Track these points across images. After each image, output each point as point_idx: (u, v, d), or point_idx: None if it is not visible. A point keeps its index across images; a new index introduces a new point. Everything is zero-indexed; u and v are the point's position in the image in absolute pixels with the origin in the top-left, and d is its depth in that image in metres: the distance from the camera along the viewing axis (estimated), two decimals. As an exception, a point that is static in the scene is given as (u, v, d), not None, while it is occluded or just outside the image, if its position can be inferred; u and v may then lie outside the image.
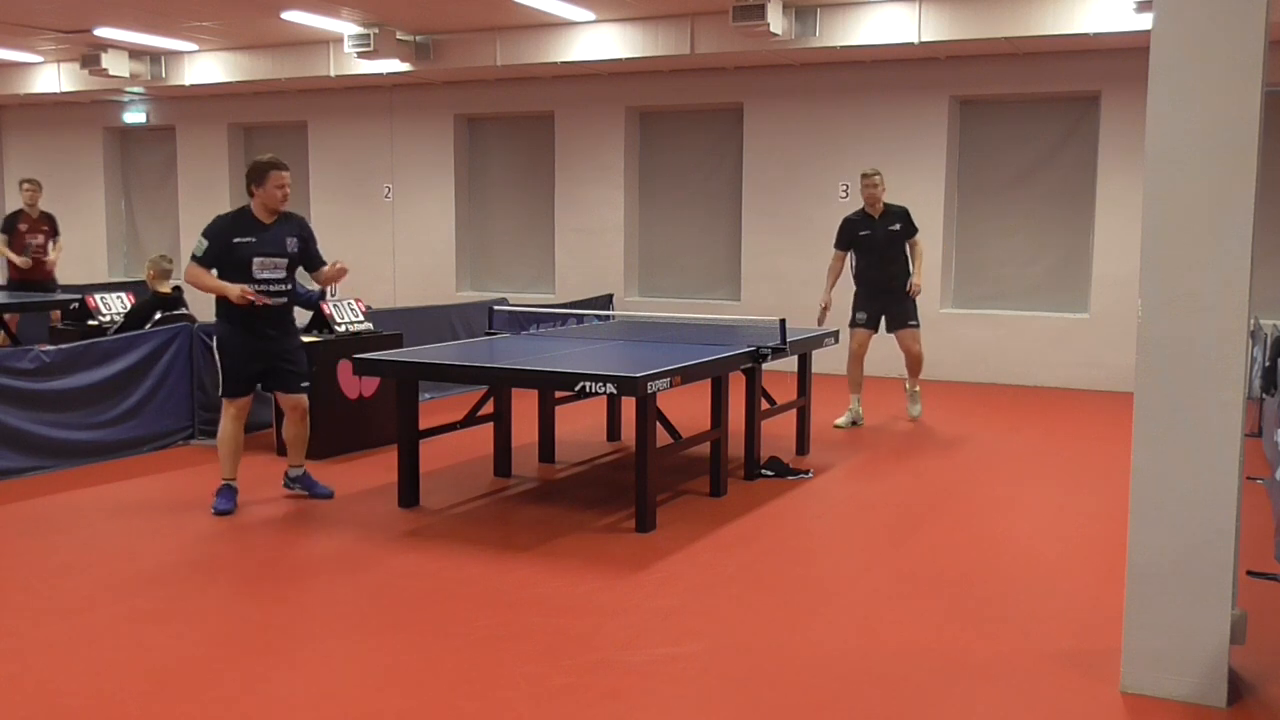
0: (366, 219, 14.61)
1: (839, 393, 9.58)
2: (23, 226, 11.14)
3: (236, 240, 6.08)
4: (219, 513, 6.08)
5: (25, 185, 11.22)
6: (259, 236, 6.09)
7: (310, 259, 6.38)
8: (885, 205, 8.75)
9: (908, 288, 8.72)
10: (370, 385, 7.92)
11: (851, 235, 8.81)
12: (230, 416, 6.17)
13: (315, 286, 7.15)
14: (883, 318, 8.87)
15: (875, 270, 8.80)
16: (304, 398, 6.36)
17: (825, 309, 8.75)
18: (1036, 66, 10.98)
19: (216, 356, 6.22)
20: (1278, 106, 6.98)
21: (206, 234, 6.10)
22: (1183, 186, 3.64)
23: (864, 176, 8.75)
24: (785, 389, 8.17)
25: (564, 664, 4.09)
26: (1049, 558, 5.52)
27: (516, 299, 12.49)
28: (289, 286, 6.26)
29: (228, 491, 6.21)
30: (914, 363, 8.98)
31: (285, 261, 6.18)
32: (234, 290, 5.94)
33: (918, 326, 8.88)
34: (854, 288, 8.92)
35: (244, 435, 6.28)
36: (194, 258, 6.08)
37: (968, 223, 11.77)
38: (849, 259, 8.90)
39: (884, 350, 9.25)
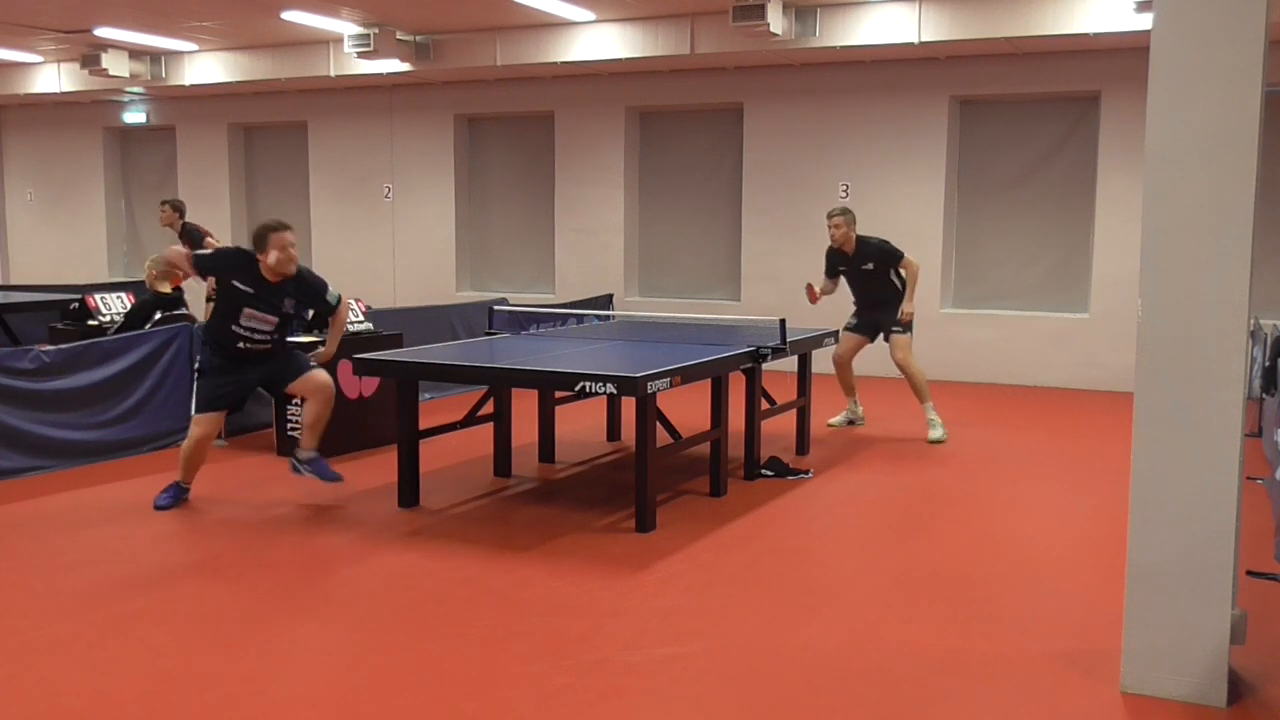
0: (366, 219, 14.61)
1: (839, 393, 9.58)
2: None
3: (235, 283, 6.11)
4: (159, 507, 6.19)
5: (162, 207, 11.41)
6: (258, 292, 6.09)
7: (315, 309, 6.67)
8: (859, 240, 8.46)
9: (899, 315, 8.42)
10: (370, 385, 7.92)
11: (833, 267, 8.68)
12: (198, 430, 6.20)
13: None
14: (879, 331, 8.64)
15: (862, 300, 8.67)
16: (321, 374, 6.36)
17: (812, 290, 8.55)
18: (1036, 66, 10.98)
19: (195, 374, 6.43)
20: (1278, 106, 6.97)
21: (219, 254, 6.34)
22: (1183, 186, 3.64)
23: (828, 217, 8.51)
24: (785, 389, 8.17)
25: (564, 664, 4.09)
26: (1049, 558, 5.52)
27: (516, 299, 12.50)
28: (278, 336, 6.28)
29: (175, 489, 6.32)
30: (909, 378, 8.52)
31: (276, 320, 6.19)
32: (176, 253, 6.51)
33: (901, 332, 8.46)
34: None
35: (208, 450, 6.35)
36: (196, 255, 6.44)
37: (968, 223, 11.77)
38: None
39: (883, 350, 9.21)
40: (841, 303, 8.86)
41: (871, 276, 8.51)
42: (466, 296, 13.43)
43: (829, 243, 8.66)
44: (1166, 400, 3.70)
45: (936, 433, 8.39)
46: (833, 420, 8.85)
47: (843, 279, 8.72)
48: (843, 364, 8.80)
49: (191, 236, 10.96)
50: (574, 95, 13.15)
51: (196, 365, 6.44)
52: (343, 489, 6.71)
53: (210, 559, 5.41)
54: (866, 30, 10.44)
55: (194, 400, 6.36)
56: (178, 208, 11.32)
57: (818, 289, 8.65)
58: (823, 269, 8.82)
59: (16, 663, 4.11)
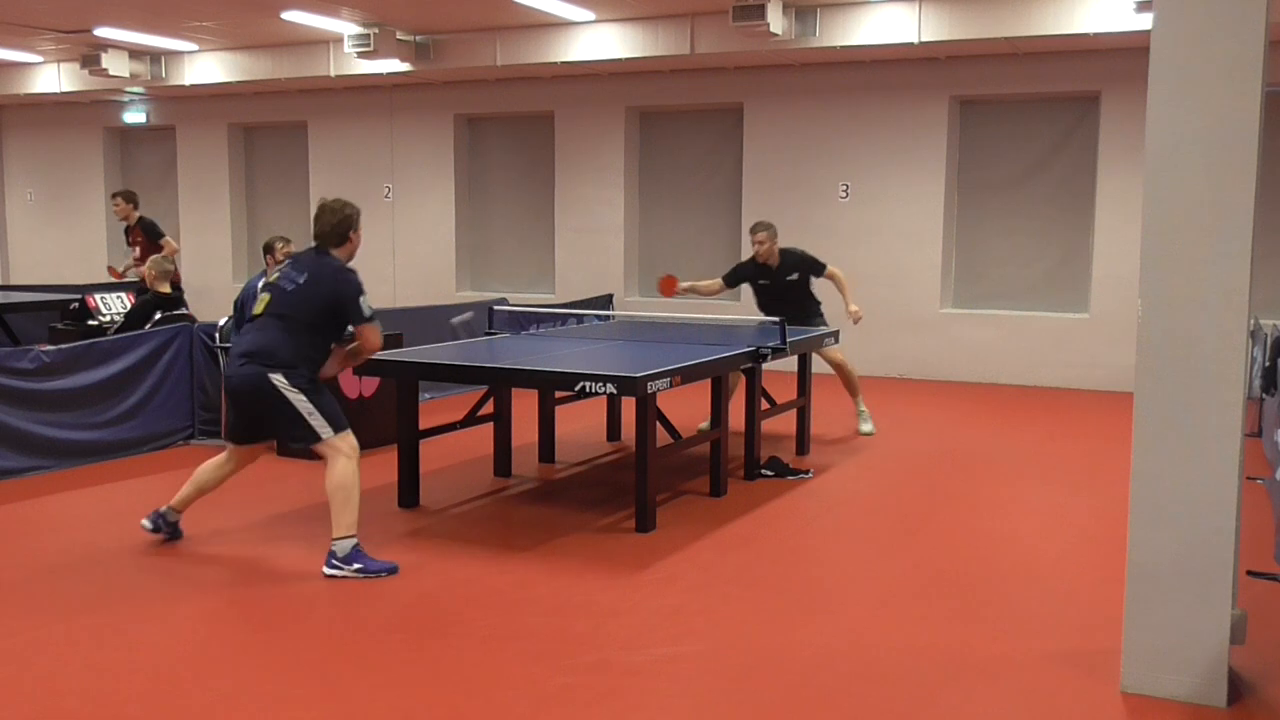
0: (367, 219, 14.45)
1: (839, 393, 9.58)
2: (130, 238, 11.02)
3: None
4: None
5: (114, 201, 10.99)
6: None
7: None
8: (781, 252, 8.33)
9: (850, 315, 8.31)
10: (370, 385, 7.92)
11: (743, 278, 8.54)
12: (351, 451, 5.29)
13: None
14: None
15: (776, 312, 8.20)
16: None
17: (672, 283, 8.37)
18: (1036, 66, 10.98)
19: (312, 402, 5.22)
20: (1278, 106, 6.98)
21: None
22: (1183, 186, 3.64)
23: (753, 232, 8.36)
24: (785, 389, 8.17)
25: (564, 664, 4.09)
26: (1049, 558, 5.52)
27: (516, 299, 12.50)
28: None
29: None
30: (841, 376, 8.50)
31: None
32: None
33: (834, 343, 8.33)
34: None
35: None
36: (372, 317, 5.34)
37: (968, 222, 11.77)
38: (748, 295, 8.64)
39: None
40: (835, 303, 8.80)
41: (795, 286, 8.37)
42: (466, 296, 13.42)
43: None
44: (1166, 400, 3.70)
45: (866, 426, 8.59)
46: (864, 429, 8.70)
47: (752, 292, 8.55)
48: (841, 364, 8.75)
49: (149, 230, 10.67)
50: (574, 95, 13.15)
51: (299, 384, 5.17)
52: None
53: (210, 560, 5.41)
54: (866, 30, 10.44)
55: (327, 419, 5.15)
56: (130, 199, 10.81)
57: (683, 285, 8.40)
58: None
59: (17, 663, 4.11)
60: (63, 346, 7.37)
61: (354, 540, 5.09)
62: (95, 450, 7.37)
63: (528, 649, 4.22)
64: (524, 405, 7.39)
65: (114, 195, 11.07)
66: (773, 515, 6.25)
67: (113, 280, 11.56)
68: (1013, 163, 11.53)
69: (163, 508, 5.56)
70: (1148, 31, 3.72)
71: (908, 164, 11.63)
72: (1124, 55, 10.31)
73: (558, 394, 7.45)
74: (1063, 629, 4.50)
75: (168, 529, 5.56)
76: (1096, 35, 9.74)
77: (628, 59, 11.55)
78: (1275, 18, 3.82)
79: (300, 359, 5.15)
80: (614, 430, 8.26)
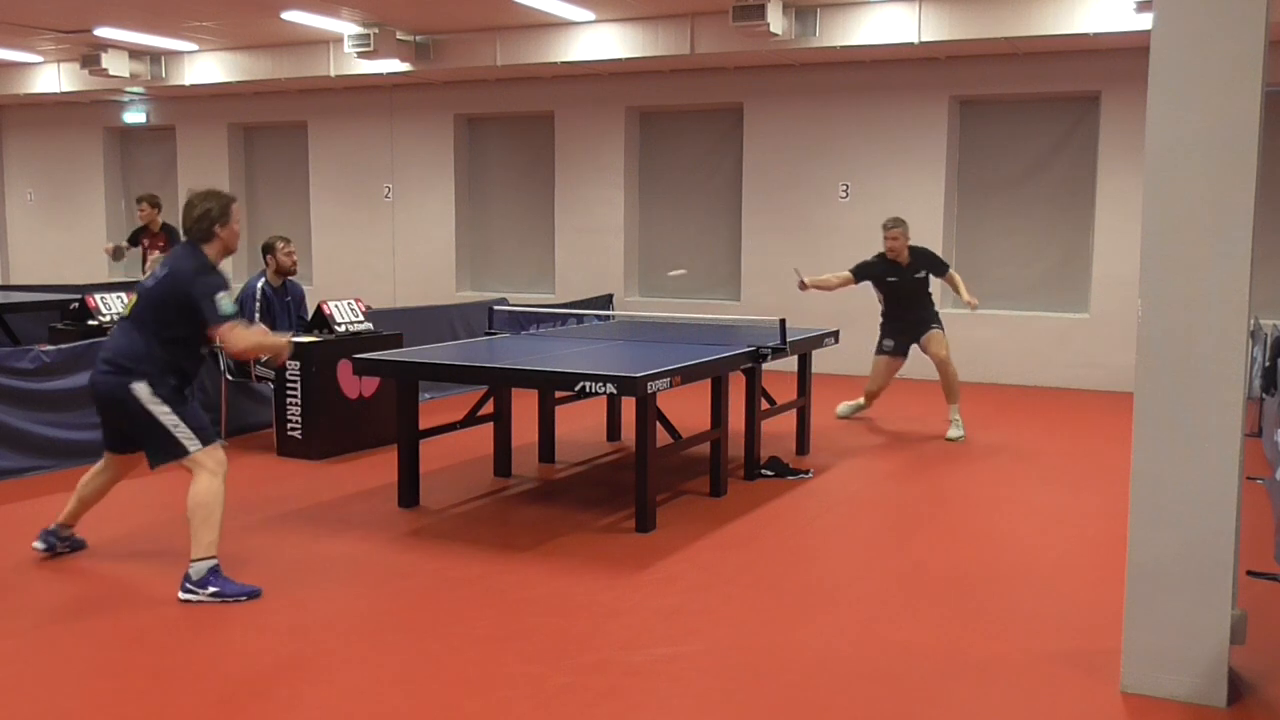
0: (366, 219, 14.61)
1: (839, 393, 9.60)
2: (145, 241, 11.32)
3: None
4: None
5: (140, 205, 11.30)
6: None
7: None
8: (910, 250, 8.52)
9: (968, 302, 8.42)
10: (370, 385, 7.91)
11: (873, 275, 8.61)
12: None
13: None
14: (913, 344, 8.68)
15: (904, 311, 8.62)
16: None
17: (803, 282, 8.52)
18: (1036, 66, 10.98)
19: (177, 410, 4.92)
20: (1278, 106, 6.98)
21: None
22: (1183, 186, 3.64)
23: (885, 229, 8.50)
24: (785, 389, 8.16)
25: (564, 664, 4.09)
26: (1049, 558, 5.52)
27: (516, 299, 12.50)
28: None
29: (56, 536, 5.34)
30: (943, 375, 8.53)
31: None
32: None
33: (940, 328, 8.62)
34: (880, 320, 8.83)
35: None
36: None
37: (968, 222, 11.77)
38: (878, 299, 8.79)
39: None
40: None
41: (922, 284, 8.58)
42: (466, 296, 13.43)
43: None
44: (1166, 400, 3.70)
45: (956, 431, 8.47)
46: (840, 409, 8.86)
47: (877, 292, 8.68)
48: (878, 393, 8.91)
49: (171, 234, 10.88)
50: (574, 95, 13.15)
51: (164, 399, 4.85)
52: (343, 489, 6.72)
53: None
54: (866, 30, 10.44)
55: (194, 432, 4.86)
56: (156, 203, 11.22)
57: (809, 281, 8.51)
58: (846, 267, 8.71)
59: (16, 663, 4.11)
60: (63, 346, 7.36)
61: (213, 562, 4.74)
62: (95, 450, 7.25)
63: (528, 649, 4.22)
64: (524, 405, 7.39)
65: (139, 199, 11.39)
66: (773, 515, 6.25)
67: (106, 256, 11.81)
68: (1013, 163, 11.53)
69: (51, 525, 5.28)
70: (1148, 31, 3.72)
71: (908, 164, 11.63)
72: (1124, 55, 10.31)
73: (558, 394, 7.45)
74: (1063, 629, 4.50)
75: (63, 545, 5.29)
76: (1096, 35, 9.74)
77: (628, 59, 11.55)
78: (1275, 18, 3.82)
79: (164, 366, 4.80)
80: (614, 430, 8.26)
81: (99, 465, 5.29)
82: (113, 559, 5.35)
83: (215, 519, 4.77)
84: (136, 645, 4.29)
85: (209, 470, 4.81)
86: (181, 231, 5.01)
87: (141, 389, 4.77)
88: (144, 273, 11.17)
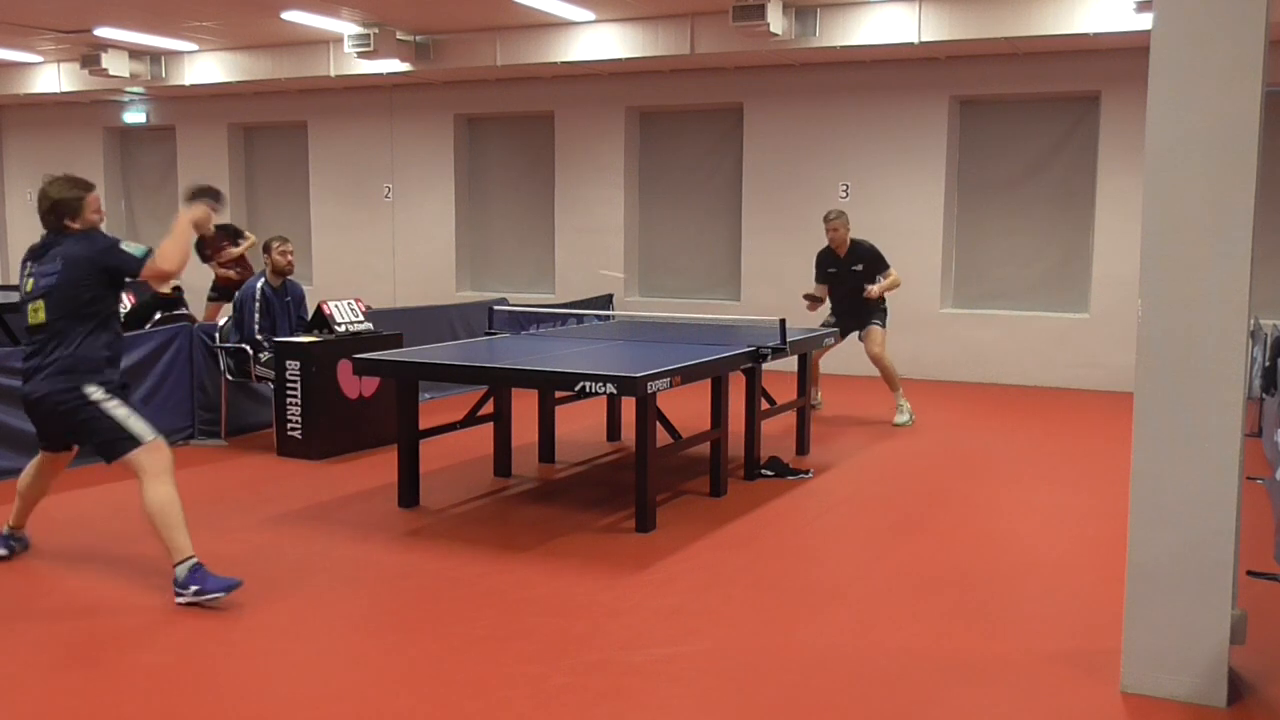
0: (366, 219, 14.61)
1: (838, 392, 9.61)
2: (208, 251, 11.30)
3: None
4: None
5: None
6: None
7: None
8: (852, 242, 8.93)
9: (866, 292, 8.82)
10: (370, 385, 7.91)
11: (823, 269, 9.09)
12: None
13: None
14: (851, 332, 9.05)
15: (842, 301, 9.04)
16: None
17: (812, 300, 8.98)
18: (1036, 66, 10.98)
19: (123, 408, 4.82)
20: (1278, 106, 6.98)
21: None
22: (1183, 186, 3.64)
23: (826, 220, 8.95)
24: (785, 389, 8.17)
25: (564, 664, 4.09)
26: (1049, 558, 5.52)
27: (516, 299, 12.50)
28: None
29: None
30: (881, 370, 8.93)
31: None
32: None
33: (880, 324, 8.94)
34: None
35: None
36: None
37: (968, 222, 11.77)
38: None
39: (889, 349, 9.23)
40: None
41: (858, 277, 8.89)
42: (466, 296, 13.43)
43: (822, 246, 9.05)
44: (1166, 400, 3.70)
45: (902, 417, 8.87)
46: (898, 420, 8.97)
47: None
48: (816, 357, 9.20)
49: (228, 230, 11.22)
50: (574, 95, 13.15)
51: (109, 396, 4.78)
52: (343, 489, 6.72)
53: (209, 559, 5.39)
54: (866, 30, 10.44)
55: (139, 422, 4.79)
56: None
57: (813, 294, 9.01)
58: (813, 275, 9.16)
59: (16, 663, 4.11)
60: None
61: (192, 561, 4.65)
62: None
63: (528, 649, 4.22)
64: (524, 405, 7.39)
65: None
66: (773, 515, 6.25)
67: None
68: (1013, 163, 11.53)
69: (4, 530, 5.27)
70: (1148, 31, 3.72)
71: (908, 164, 11.63)
72: (1124, 55, 10.31)
73: (558, 394, 7.45)
74: (1063, 629, 4.50)
75: (18, 545, 5.29)
76: (1096, 35, 9.74)
77: (628, 59, 11.55)
78: (1275, 18, 3.82)
79: (103, 359, 4.72)
80: (614, 430, 8.26)
81: (35, 464, 5.23)
82: (97, 565, 5.34)
83: (177, 520, 4.67)
84: (129, 644, 4.29)
85: (151, 474, 4.67)
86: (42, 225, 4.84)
87: (95, 391, 4.69)
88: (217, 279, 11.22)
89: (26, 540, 5.39)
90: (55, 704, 3.78)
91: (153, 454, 4.73)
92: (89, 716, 3.70)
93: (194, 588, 4.63)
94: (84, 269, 4.67)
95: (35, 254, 4.84)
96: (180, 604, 4.63)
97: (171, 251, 4.77)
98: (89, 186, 4.90)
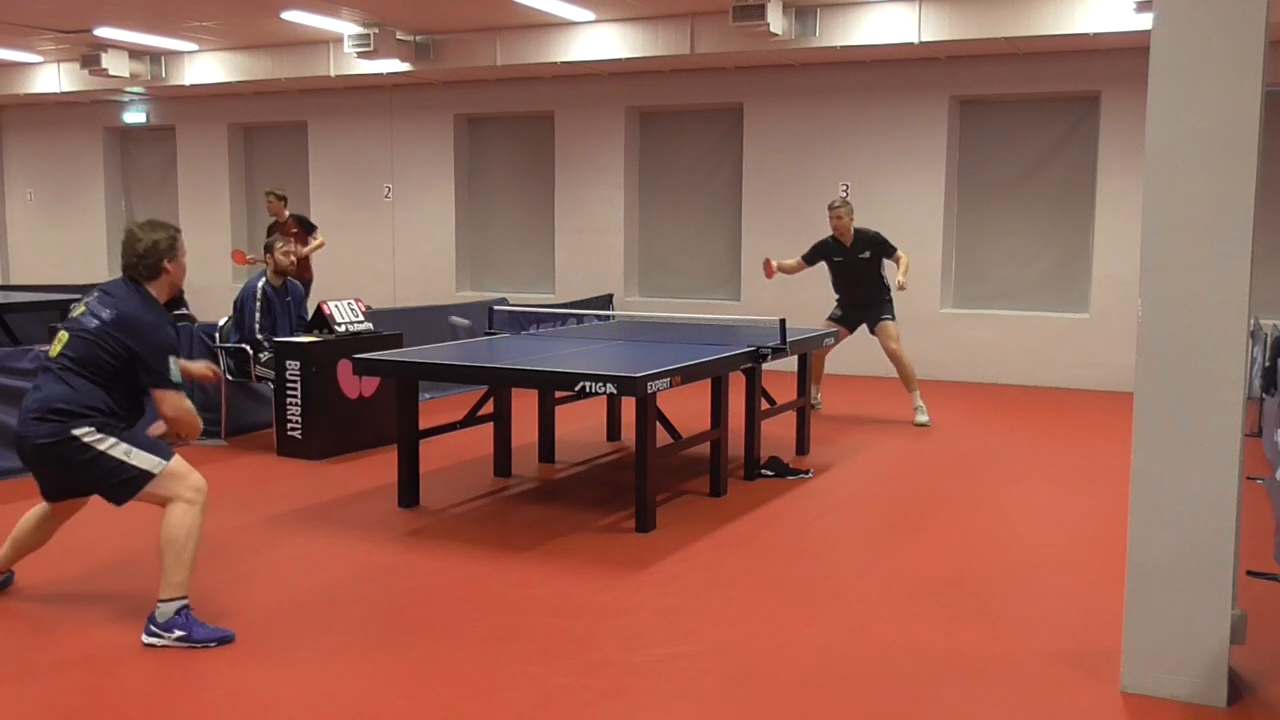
0: (366, 219, 14.61)
1: (838, 392, 9.61)
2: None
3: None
4: None
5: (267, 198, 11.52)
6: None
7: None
8: (856, 231, 8.96)
9: (898, 283, 8.83)
10: (370, 385, 7.92)
11: (821, 256, 9.12)
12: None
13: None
14: (861, 324, 9.11)
15: (850, 291, 9.08)
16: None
17: (775, 270, 9.09)
18: (1036, 66, 10.98)
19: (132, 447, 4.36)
20: (1278, 106, 6.98)
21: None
22: (1183, 186, 3.64)
23: (831, 208, 9.00)
24: (785, 389, 8.17)
25: (564, 664, 4.09)
26: (1049, 558, 5.52)
27: (516, 299, 12.50)
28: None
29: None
30: (898, 367, 8.96)
31: None
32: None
33: (892, 319, 9.00)
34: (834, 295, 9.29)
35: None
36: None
37: (968, 222, 11.77)
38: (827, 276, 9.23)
39: (881, 350, 9.24)
40: (825, 296, 8.87)
41: (865, 265, 8.94)
42: (466, 296, 13.43)
43: (826, 235, 9.06)
44: (1166, 400, 3.70)
45: (923, 418, 8.88)
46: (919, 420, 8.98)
47: (828, 270, 9.12)
48: (821, 356, 9.21)
49: (303, 224, 11.40)
50: (574, 95, 13.15)
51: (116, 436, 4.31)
52: (343, 489, 6.72)
53: (209, 559, 5.40)
54: (866, 30, 10.44)
55: (149, 451, 4.35)
56: (283, 197, 11.46)
57: (775, 264, 9.05)
58: (801, 253, 9.20)
59: (16, 664, 4.11)
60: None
61: (182, 602, 4.25)
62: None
63: (528, 649, 4.22)
64: (524, 405, 7.39)
65: (267, 193, 11.53)
66: (773, 515, 6.25)
67: (238, 265, 11.81)
68: (1013, 163, 11.53)
69: None
70: (1148, 31, 3.72)
71: (908, 164, 11.63)
72: (1124, 55, 10.31)
73: (558, 394, 7.45)
74: (1063, 629, 4.50)
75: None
76: (1096, 35, 9.74)
77: (628, 59, 11.55)
78: (1275, 18, 3.82)
79: (109, 409, 4.29)
80: (614, 430, 8.26)
81: (38, 513, 4.71)
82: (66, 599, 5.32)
83: (188, 556, 4.26)
84: (130, 645, 4.29)
85: (185, 500, 4.29)
86: (123, 268, 4.44)
87: (85, 431, 4.20)
88: (254, 259, 11.36)
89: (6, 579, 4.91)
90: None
91: (175, 480, 4.29)
92: (89, 716, 3.70)
93: (179, 632, 4.21)
94: (128, 341, 4.25)
95: (99, 296, 4.42)
96: (146, 644, 4.21)
97: (182, 409, 4.37)
98: (179, 229, 4.56)
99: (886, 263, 9.00)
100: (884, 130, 11.70)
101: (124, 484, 4.27)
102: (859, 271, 8.96)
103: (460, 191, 14.13)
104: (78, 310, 4.40)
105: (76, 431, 4.20)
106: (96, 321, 4.29)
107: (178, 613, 4.25)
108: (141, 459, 4.27)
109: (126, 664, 4.09)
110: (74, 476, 4.36)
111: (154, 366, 4.28)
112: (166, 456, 4.33)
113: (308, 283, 11.48)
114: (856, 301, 9.05)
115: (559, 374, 5.87)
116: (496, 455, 7.14)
